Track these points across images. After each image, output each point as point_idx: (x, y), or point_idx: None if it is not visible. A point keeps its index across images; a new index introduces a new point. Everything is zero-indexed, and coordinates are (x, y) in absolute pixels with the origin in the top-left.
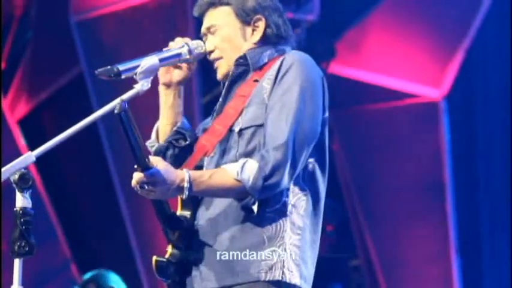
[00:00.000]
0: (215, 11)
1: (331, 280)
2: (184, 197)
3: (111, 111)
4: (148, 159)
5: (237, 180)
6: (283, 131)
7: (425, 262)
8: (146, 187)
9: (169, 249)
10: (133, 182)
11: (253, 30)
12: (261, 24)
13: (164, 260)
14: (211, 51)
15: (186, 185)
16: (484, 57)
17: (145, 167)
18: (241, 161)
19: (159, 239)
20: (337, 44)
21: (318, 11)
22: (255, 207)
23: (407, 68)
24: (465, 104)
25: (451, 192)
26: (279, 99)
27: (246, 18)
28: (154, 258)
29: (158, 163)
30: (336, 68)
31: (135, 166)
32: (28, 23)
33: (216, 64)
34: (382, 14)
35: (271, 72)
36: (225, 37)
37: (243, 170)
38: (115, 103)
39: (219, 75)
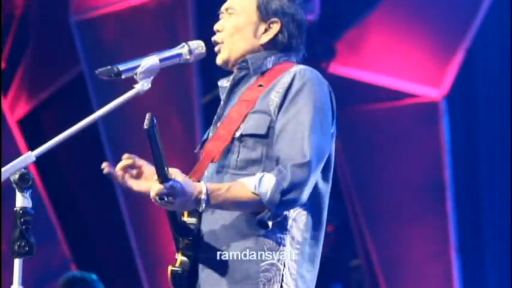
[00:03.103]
0: None
1: (331, 280)
2: (200, 209)
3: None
4: (168, 171)
5: (255, 194)
6: (304, 150)
7: (425, 262)
8: (166, 198)
9: (179, 257)
10: (153, 194)
11: (266, 30)
12: (275, 28)
13: (179, 269)
14: (219, 31)
15: (203, 197)
16: (484, 57)
17: (165, 179)
18: (259, 174)
19: (159, 239)
20: (337, 44)
21: (318, 11)
22: (270, 223)
23: (407, 68)
24: (465, 104)
25: (451, 192)
26: (293, 116)
27: (264, 15)
28: (170, 268)
29: (176, 175)
30: (336, 68)
31: (154, 178)
32: (28, 23)
33: (217, 48)
34: (382, 14)
35: (279, 85)
36: (238, 25)
37: (260, 184)
38: (116, 103)
39: (219, 60)
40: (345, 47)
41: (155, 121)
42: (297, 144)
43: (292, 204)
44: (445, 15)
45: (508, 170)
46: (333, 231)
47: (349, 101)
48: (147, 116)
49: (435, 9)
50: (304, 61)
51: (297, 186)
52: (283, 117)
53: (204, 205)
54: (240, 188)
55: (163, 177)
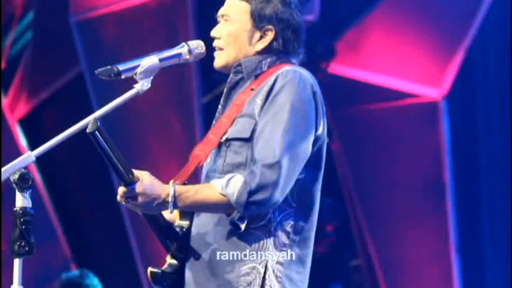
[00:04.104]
0: (235, 1)
1: (331, 280)
2: (170, 211)
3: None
4: (132, 174)
5: (222, 195)
6: (275, 150)
7: (425, 262)
8: (130, 201)
9: (168, 258)
10: (118, 197)
11: (261, 37)
12: (270, 35)
13: (159, 271)
14: (216, 38)
15: (170, 199)
16: (484, 57)
17: (128, 182)
18: (228, 175)
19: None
20: (337, 44)
21: (318, 11)
22: (242, 225)
23: (407, 68)
24: (465, 104)
25: (451, 192)
26: (271, 118)
27: (258, 23)
28: (149, 269)
29: (144, 177)
30: (336, 68)
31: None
32: (28, 23)
33: (216, 53)
34: (382, 14)
35: (265, 87)
36: (232, 33)
37: (228, 185)
38: (116, 103)
39: (215, 65)
40: (345, 47)
41: (98, 124)
42: (270, 145)
43: (262, 204)
44: (445, 15)
45: (508, 170)
46: (333, 231)
47: (349, 101)
48: (92, 119)
49: (435, 9)
50: (304, 61)
51: (265, 187)
52: (263, 119)
53: (171, 208)
54: (208, 190)
55: (125, 180)
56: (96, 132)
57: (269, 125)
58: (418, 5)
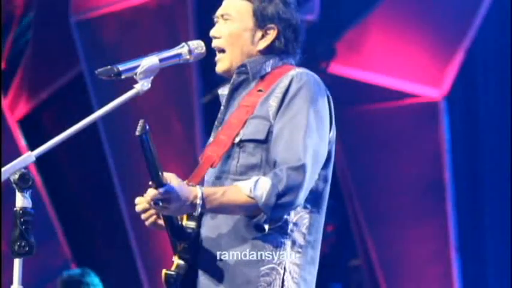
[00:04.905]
0: (235, 1)
1: (331, 280)
2: (196, 213)
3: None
4: (163, 176)
5: (250, 197)
6: (299, 153)
7: (425, 262)
8: (160, 204)
9: (176, 260)
10: (148, 199)
11: (263, 36)
12: (272, 34)
13: (173, 272)
14: (216, 37)
15: (198, 201)
16: (484, 57)
17: (160, 184)
18: (254, 178)
19: (158, 238)
20: (337, 44)
21: (318, 11)
22: (267, 226)
23: (407, 68)
24: (465, 104)
25: (451, 192)
26: (289, 121)
27: (261, 22)
28: (164, 271)
29: (172, 180)
30: (336, 68)
31: (150, 183)
32: (28, 23)
33: (218, 57)
34: (382, 14)
35: (278, 89)
36: (234, 32)
37: (256, 187)
38: (116, 103)
39: (219, 69)
40: (345, 47)
41: (147, 127)
42: (292, 148)
43: (288, 207)
44: (445, 15)
45: (508, 169)
46: (333, 231)
47: (349, 101)
48: (140, 122)
49: (435, 9)
50: (304, 61)
51: (292, 189)
52: (280, 121)
53: (199, 209)
54: (236, 192)
55: (157, 183)
56: (144, 136)
57: (288, 128)
58: (418, 5)
